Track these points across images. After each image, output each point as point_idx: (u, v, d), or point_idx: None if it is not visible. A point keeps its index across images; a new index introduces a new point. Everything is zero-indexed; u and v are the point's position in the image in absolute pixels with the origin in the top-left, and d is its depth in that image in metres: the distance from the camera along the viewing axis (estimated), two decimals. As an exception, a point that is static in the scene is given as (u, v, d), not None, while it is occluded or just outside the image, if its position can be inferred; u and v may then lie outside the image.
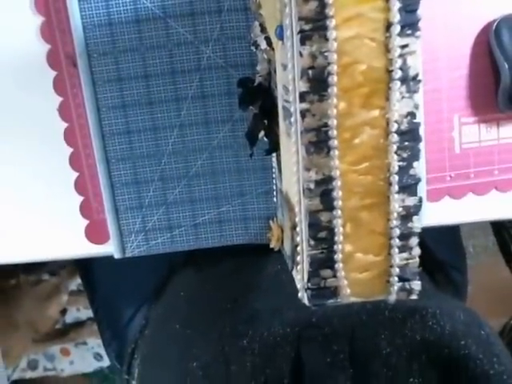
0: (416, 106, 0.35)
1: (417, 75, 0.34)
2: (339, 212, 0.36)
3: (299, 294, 0.40)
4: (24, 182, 0.62)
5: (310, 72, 0.33)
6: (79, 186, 0.62)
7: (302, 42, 0.33)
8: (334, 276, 0.38)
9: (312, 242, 0.37)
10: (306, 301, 0.39)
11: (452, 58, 0.62)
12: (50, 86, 0.59)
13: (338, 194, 0.36)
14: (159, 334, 0.72)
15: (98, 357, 1.63)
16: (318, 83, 0.34)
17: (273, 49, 0.46)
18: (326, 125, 0.34)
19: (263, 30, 0.46)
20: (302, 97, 0.34)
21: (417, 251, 0.38)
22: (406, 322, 0.58)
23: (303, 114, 0.34)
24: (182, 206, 0.62)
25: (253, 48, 0.56)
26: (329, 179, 0.36)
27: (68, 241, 0.63)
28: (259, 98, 0.51)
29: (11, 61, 0.59)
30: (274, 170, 0.60)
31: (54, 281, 1.43)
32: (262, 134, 0.52)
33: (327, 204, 0.36)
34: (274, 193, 0.62)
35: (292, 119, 0.36)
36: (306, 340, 0.57)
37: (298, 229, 0.38)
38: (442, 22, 0.61)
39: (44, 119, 0.60)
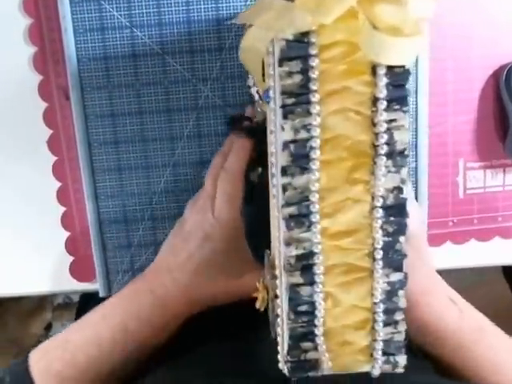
0: (403, 181, 0.33)
1: (404, 150, 0.33)
2: (320, 287, 0.35)
3: (279, 365, 0.38)
4: (9, 215, 0.61)
5: (292, 146, 0.32)
6: (66, 221, 0.60)
7: (285, 116, 0.31)
8: (315, 349, 0.36)
9: (292, 316, 0.35)
10: (286, 372, 0.37)
11: (460, 101, 0.61)
12: (40, 118, 0.58)
13: (319, 269, 0.34)
14: None
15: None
16: (299, 157, 0.32)
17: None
18: (307, 199, 0.33)
19: (256, 83, 0.45)
20: (284, 170, 0.32)
21: (402, 326, 0.37)
22: None
23: (284, 187, 0.33)
24: (172, 247, 0.61)
25: (250, 91, 0.54)
26: (310, 254, 0.34)
27: (53, 276, 0.62)
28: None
29: (1, 90, 0.58)
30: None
31: (38, 297, 1.40)
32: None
33: (308, 279, 0.34)
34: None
35: (274, 191, 0.34)
36: None
37: (278, 300, 0.37)
38: (452, 65, 0.60)
39: (33, 152, 0.59)
